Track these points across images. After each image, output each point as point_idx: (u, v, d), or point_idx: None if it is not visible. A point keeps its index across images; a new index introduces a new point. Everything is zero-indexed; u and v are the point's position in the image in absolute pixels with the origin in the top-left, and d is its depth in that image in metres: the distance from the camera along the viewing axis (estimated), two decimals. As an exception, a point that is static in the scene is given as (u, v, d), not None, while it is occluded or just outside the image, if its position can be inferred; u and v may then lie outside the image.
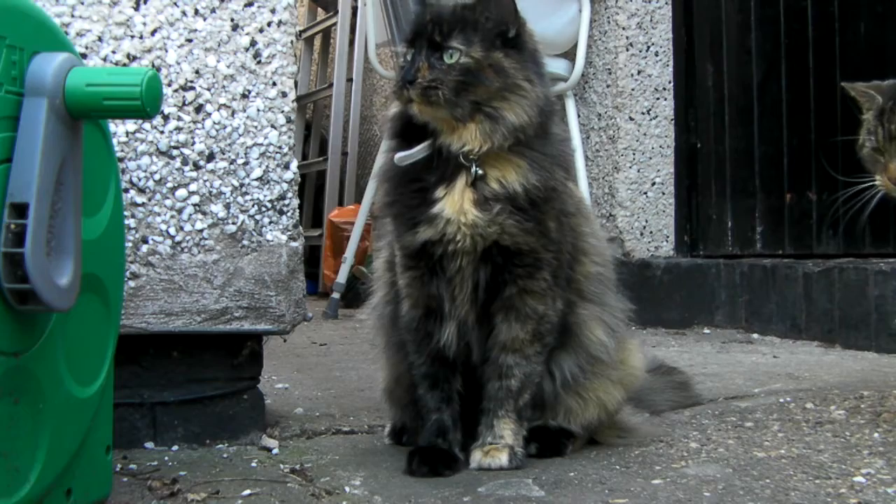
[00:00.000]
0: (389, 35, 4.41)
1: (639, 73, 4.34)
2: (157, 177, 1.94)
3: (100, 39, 1.92)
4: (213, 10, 1.98)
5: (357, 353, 3.39)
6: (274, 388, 2.67)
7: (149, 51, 1.95)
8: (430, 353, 1.87)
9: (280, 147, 2.01)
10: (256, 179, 2.00)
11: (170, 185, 1.95)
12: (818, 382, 2.66)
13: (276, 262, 2.00)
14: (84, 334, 1.50)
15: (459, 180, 1.79)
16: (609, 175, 4.38)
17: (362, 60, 6.25)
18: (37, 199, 1.33)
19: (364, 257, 4.95)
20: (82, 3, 1.91)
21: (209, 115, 1.98)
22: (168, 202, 1.95)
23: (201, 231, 1.96)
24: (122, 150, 1.92)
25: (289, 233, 2.01)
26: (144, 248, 1.93)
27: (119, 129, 1.91)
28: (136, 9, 1.94)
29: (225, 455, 1.96)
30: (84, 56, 1.89)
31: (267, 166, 2.00)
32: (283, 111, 2.02)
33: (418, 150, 1.79)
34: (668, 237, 4.39)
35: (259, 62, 2.00)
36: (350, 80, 6.40)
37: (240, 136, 1.99)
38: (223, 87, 1.99)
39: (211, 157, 1.97)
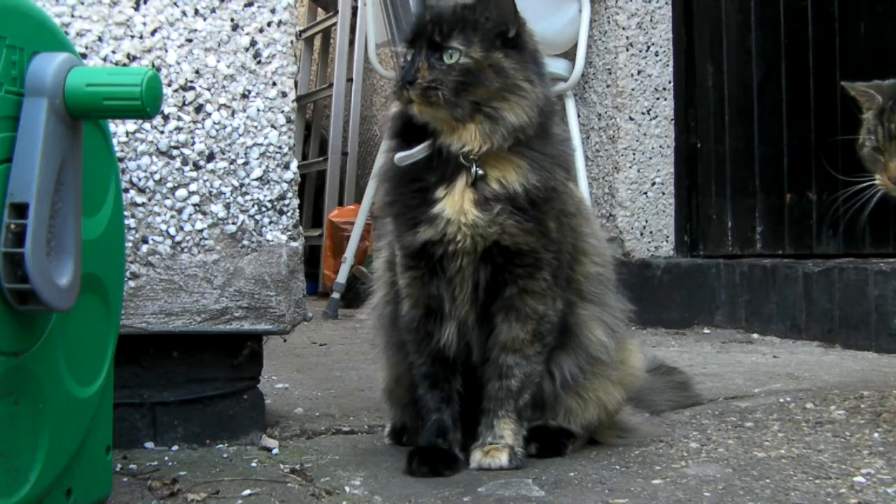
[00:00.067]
0: (389, 35, 4.41)
1: (639, 73, 4.34)
2: (157, 177, 1.94)
3: (100, 39, 1.92)
4: (213, 10, 1.98)
5: (357, 353, 3.39)
6: (274, 388, 2.67)
7: (149, 51, 1.95)
8: (431, 353, 1.87)
9: (280, 147, 2.01)
10: (256, 179, 2.00)
11: (170, 185, 1.95)
12: (818, 382, 2.66)
13: (276, 262, 2.00)
14: (84, 334, 1.50)
15: (460, 180, 1.79)
16: (609, 175, 4.39)
17: (362, 60, 6.25)
18: (37, 199, 1.33)
19: (364, 257, 4.95)
20: (82, 3, 1.91)
21: (209, 115, 1.98)
22: (168, 202, 1.95)
23: (201, 231, 1.96)
24: (122, 150, 1.92)
25: (289, 233, 2.01)
26: (144, 248, 1.93)
27: (119, 129, 1.91)
28: (136, 9, 1.94)
29: (225, 455, 1.96)
30: (84, 56, 1.89)
31: (267, 166, 2.00)
32: (283, 111, 2.02)
33: (418, 151, 1.79)
34: (668, 237, 4.39)
35: (259, 62, 2.00)
36: (350, 80, 6.40)
37: (240, 136, 1.99)
38: (223, 87, 1.99)
39: (211, 157, 1.97)
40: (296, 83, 2.11)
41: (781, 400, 2.41)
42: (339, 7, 6.42)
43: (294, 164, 2.03)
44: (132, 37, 1.94)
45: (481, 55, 1.76)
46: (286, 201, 2.02)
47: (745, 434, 2.07)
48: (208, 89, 1.98)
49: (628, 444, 2.01)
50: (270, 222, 2.00)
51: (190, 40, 1.97)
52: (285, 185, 2.01)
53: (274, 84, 2.01)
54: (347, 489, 1.73)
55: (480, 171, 1.78)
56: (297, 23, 2.08)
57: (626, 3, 4.32)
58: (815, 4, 3.86)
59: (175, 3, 1.96)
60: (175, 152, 1.96)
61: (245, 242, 1.98)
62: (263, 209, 2.00)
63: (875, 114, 2.00)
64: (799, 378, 2.75)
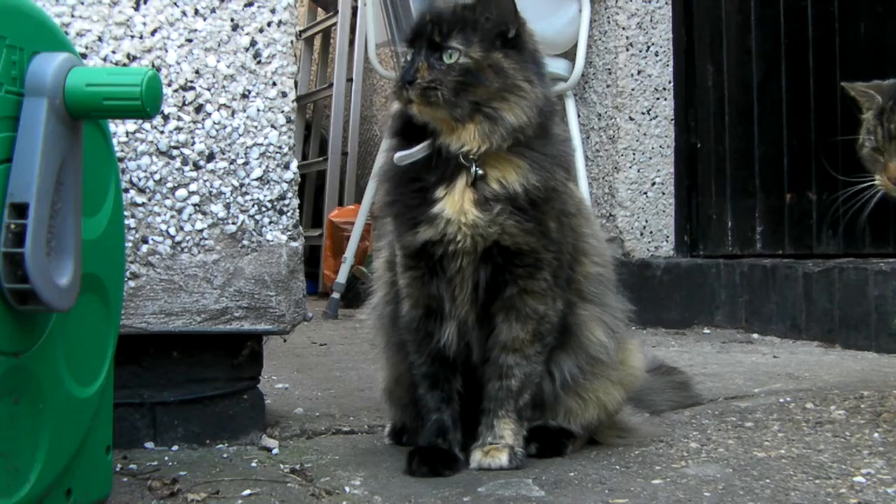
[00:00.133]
0: (389, 35, 4.41)
1: (639, 73, 4.34)
2: (157, 177, 1.94)
3: (100, 39, 1.92)
4: (213, 10, 1.98)
5: (357, 353, 3.39)
6: (274, 388, 2.67)
7: (149, 51, 1.95)
8: (431, 353, 1.87)
9: (280, 147, 2.01)
10: (256, 179, 2.00)
11: (170, 185, 1.95)
12: (818, 382, 2.66)
13: (276, 262, 2.00)
14: (84, 334, 1.50)
15: (460, 180, 1.78)
16: (609, 175, 4.39)
17: (362, 60, 6.25)
18: (37, 199, 1.33)
19: (364, 257, 4.95)
20: (82, 3, 1.91)
21: (209, 115, 1.98)
22: (168, 202, 1.95)
23: (201, 231, 1.96)
24: (122, 150, 1.92)
25: (289, 233, 2.01)
26: (144, 248, 1.93)
27: (119, 129, 1.91)
28: (136, 9, 1.94)
29: (225, 455, 1.96)
30: (84, 56, 1.89)
31: (267, 166, 2.00)
32: (283, 111, 2.02)
33: (418, 150, 1.79)
34: (668, 237, 4.39)
35: (259, 62, 2.00)
36: (350, 80, 6.40)
37: (240, 136, 1.99)
38: (223, 87, 1.99)
39: (211, 157, 1.98)
40: (296, 83, 2.11)
41: (781, 400, 2.41)
42: (339, 7, 6.42)
43: (294, 164, 2.03)
44: (132, 37, 1.94)
45: (481, 55, 1.76)
46: (286, 201, 2.02)
47: (745, 434, 2.07)
48: (208, 89, 1.98)
49: (628, 444, 2.01)
50: (270, 222, 2.00)
51: (190, 40, 1.97)
52: (285, 185, 2.01)
53: (274, 84, 2.01)
54: (347, 489, 1.73)
55: (480, 171, 1.78)
56: (297, 23, 2.08)
57: (626, 3, 4.32)
58: (815, 4, 3.86)
59: (175, 3, 1.96)
60: (175, 152, 1.96)
61: (245, 242, 1.99)
62: (263, 209, 2.00)
63: (875, 114, 2.00)
64: (799, 378, 2.75)
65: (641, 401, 2.19)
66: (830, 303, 3.46)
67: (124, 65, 1.93)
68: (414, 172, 1.81)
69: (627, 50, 4.32)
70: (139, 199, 1.93)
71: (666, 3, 4.37)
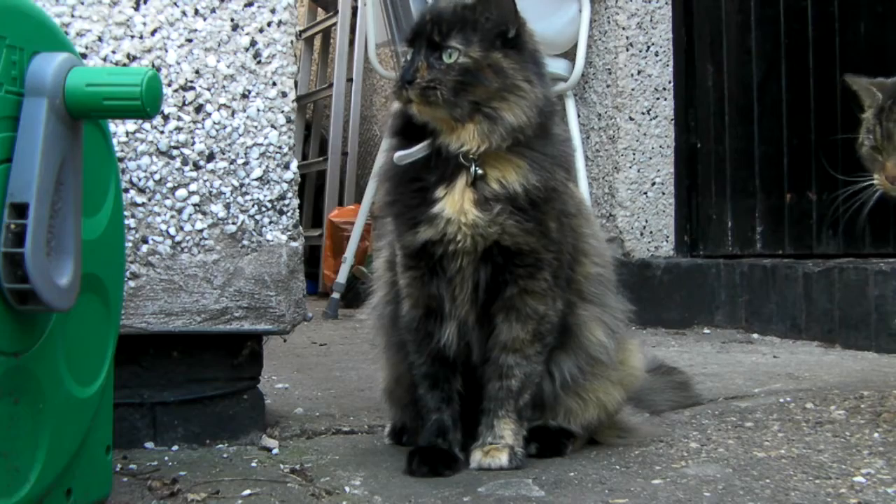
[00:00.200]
0: (389, 35, 4.41)
1: (639, 73, 4.34)
2: (157, 177, 1.94)
3: (100, 39, 1.92)
4: (213, 10, 1.98)
5: (357, 353, 3.39)
6: (274, 388, 2.67)
7: (149, 51, 1.95)
8: (431, 353, 1.87)
9: (280, 147, 2.01)
10: (256, 179, 2.00)
11: (170, 185, 1.95)
12: (818, 382, 2.66)
13: (276, 262, 2.00)
14: (84, 334, 1.50)
15: (460, 180, 1.78)
16: (609, 175, 4.39)
17: (362, 60, 6.25)
18: (37, 199, 1.33)
19: (364, 257, 4.95)
20: (82, 3, 1.91)
21: (209, 115, 1.98)
22: (168, 202, 1.95)
23: (201, 231, 1.96)
24: (122, 150, 1.92)
25: (289, 233, 2.01)
26: (144, 248, 1.93)
27: (119, 129, 1.91)
28: (136, 9, 1.94)
29: (225, 455, 1.97)
30: (84, 56, 1.89)
31: (267, 166, 2.00)
32: (283, 111, 2.02)
33: (417, 150, 1.79)
34: (668, 237, 4.39)
35: (259, 62, 2.00)
36: (350, 80, 6.41)
37: (240, 136, 1.99)
38: (223, 87, 1.99)
39: (211, 157, 1.98)
40: (296, 83, 2.11)
41: (781, 400, 2.41)
42: (339, 7, 6.42)
43: (294, 164, 2.03)
44: (132, 37, 1.94)
45: (480, 55, 1.76)
46: (286, 201, 2.02)
47: (745, 434, 2.07)
48: (208, 89, 1.98)
49: (628, 444, 2.01)
50: (270, 222, 2.00)
51: (190, 40, 1.97)
52: (285, 185, 2.02)
53: (274, 84, 2.01)
54: (347, 489, 1.73)
55: (480, 171, 1.78)
56: (297, 23, 2.08)
57: (626, 3, 4.32)
58: (815, 4, 3.86)
59: (175, 3, 1.96)
60: (175, 152, 1.96)
61: (245, 242, 1.99)
62: (263, 209, 2.00)
63: (874, 113, 2.00)
64: (799, 378, 2.75)
65: (641, 401, 2.19)
66: (830, 303, 3.46)
67: (124, 65, 1.93)
68: (414, 172, 1.81)
69: (627, 50, 4.32)
70: (139, 199, 1.93)
71: (666, 3, 4.37)
